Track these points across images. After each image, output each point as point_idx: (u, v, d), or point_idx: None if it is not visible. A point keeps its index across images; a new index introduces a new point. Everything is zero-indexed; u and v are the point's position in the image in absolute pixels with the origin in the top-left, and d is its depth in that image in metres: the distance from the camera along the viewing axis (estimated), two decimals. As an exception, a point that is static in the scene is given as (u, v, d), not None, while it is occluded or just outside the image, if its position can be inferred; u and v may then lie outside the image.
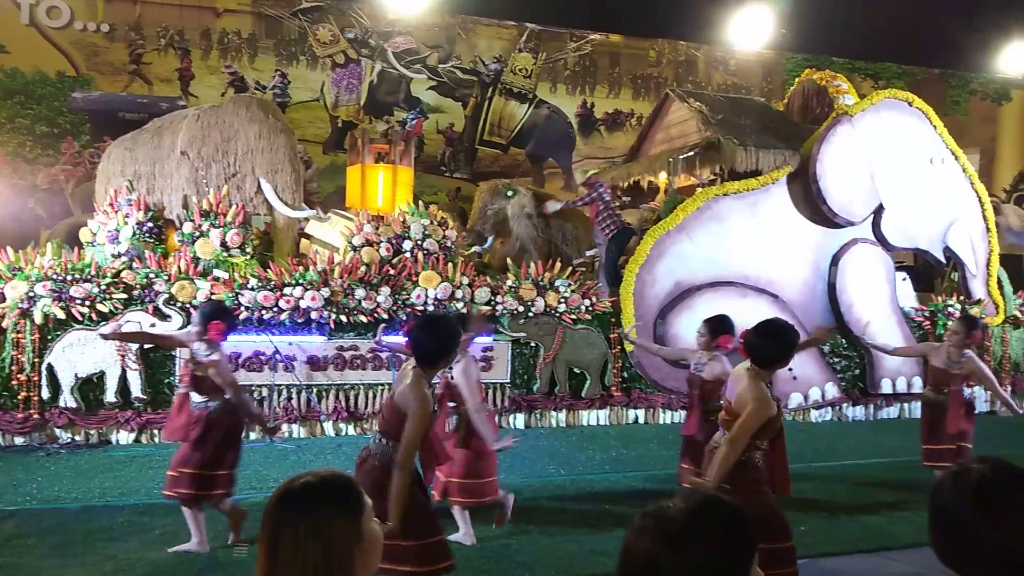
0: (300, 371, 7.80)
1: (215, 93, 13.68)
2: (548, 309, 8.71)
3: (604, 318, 8.94)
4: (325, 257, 8.34)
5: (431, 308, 8.18)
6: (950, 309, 9.99)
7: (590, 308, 8.87)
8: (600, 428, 8.69)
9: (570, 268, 9.16)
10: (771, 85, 16.03)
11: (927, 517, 1.63)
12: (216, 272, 7.78)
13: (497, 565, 4.48)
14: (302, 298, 7.72)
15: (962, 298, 10.23)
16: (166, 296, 7.52)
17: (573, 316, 8.79)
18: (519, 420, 8.50)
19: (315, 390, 7.87)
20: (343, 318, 7.87)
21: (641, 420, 8.96)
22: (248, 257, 8.14)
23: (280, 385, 7.76)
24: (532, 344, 8.64)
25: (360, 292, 7.92)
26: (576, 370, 8.81)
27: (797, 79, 11.58)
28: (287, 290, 7.74)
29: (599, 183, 9.71)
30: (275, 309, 7.72)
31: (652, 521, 1.31)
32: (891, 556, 4.71)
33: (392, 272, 8.19)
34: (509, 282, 8.67)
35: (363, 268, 8.07)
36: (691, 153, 9.80)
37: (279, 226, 8.71)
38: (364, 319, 7.95)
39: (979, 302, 10.17)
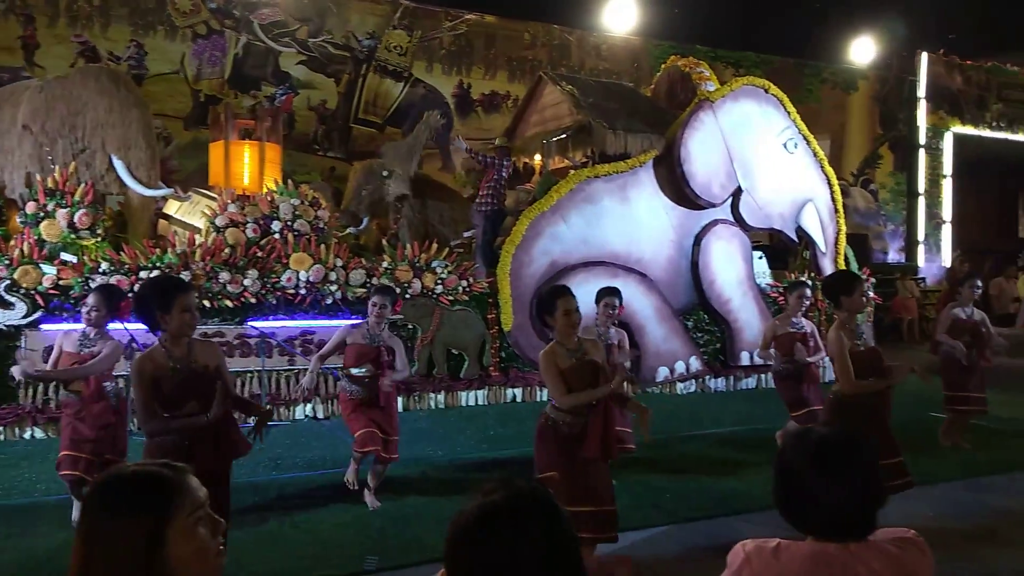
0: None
1: (63, 64, 12.61)
2: (425, 291, 8.67)
3: (482, 299, 8.99)
4: (185, 239, 7.93)
5: (303, 292, 7.95)
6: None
7: (467, 289, 8.90)
8: (479, 408, 8.75)
9: (447, 249, 9.14)
10: (640, 71, 16.49)
11: None
12: (64, 255, 7.24)
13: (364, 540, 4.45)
14: (161, 282, 7.30)
15: (813, 275, 10.95)
16: (8, 282, 6.92)
17: (450, 297, 8.79)
18: (397, 403, 8.40)
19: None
20: (206, 303, 7.51)
21: (519, 399, 9.08)
22: (99, 239, 7.62)
23: (139, 375, 7.32)
24: (409, 326, 8.57)
25: (225, 275, 7.59)
26: (454, 351, 8.82)
27: (663, 66, 11.98)
28: (143, 274, 7.30)
29: (507, 157, 9.83)
30: (130, 294, 7.25)
31: (475, 514, 1.29)
32: (748, 519, 4.99)
33: (260, 254, 7.89)
34: (385, 264, 8.55)
35: (227, 250, 7.73)
36: (564, 136, 9.98)
37: (133, 206, 8.20)
38: (230, 304, 7.62)
39: (827, 278, 10.92)
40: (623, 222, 9.68)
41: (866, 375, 4.36)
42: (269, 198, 8.27)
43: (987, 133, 18.66)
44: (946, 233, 18.24)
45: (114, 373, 4.83)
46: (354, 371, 5.01)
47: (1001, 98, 18.88)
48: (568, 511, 3.73)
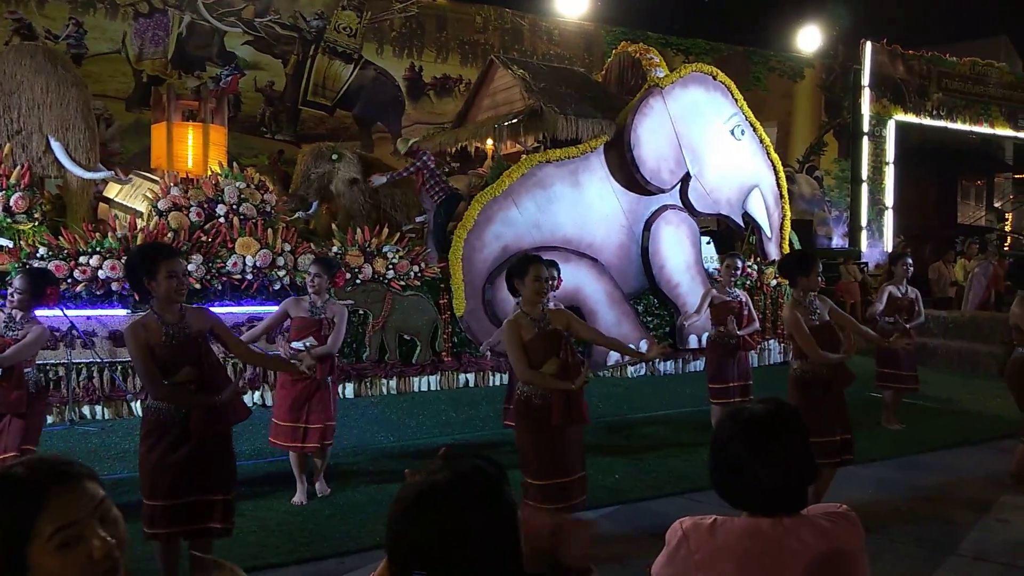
0: (101, 347, 7.20)
1: (-4, 41, 12.14)
2: (376, 276, 8.59)
3: (434, 284, 8.95)
4: (126, 223, 7.71)
5: (249, 277, 7.81)
6: (749, 269, 10.92)
7: (419, 274, 8.85)
8: (431, 393, 8.73)
9: (399, 234, 9.07)
10: (592, 57, 16.53)
11: None
12: (-1, 240, 6.99)
13: (307, 528, 4.43)
14: (100, 268, 7.10)
15: (759, 259, 11.18)
16: (-62, 268, 6.67)
17: (402, 282, 8.73)
18: (348, 390, 8.35)
19: (119, 368, 7.30)
20: (150, 288, 7.33)
21: (472, 383, 9.09)
22: (36, 223, 7.37)
23: (79, 363, 7.13)
24: (360, 312, 8.49)
25: (169, 260, 7.40)
26: (406, 337, 8.78)
27: (614, 51, 12.02)
28: (83, 259, 7.09)
29: (422, 152, 9.67)
30: (69, 280, 7.05)
31: (413, 492, 1.28)
32: (694, 497, 5.11)
33: (204, 239, 7.72)
34: (335, 248, 8.45)
35: (170, 235, 7.54)
36: (515, 120, 9.95)
37: (72, 189, 7.95)
38: (175, 289, 7.45)
39: (774, 263, 11.15)
40: (574, 207, 9.73)
41: (822, 348, 4.53)
42: (214, 181, 8.08)
43: (928, 121, 19.19)
44: (888, 219, 18.75)
45: (38, 360, 4.69)
46: (295, 344, 4.92)
47: (941, 87, 19.41)
48: (537, 484, 3.83)
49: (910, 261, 7.43)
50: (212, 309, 7.49)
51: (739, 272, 6.88)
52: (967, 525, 4.76)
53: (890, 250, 17.07)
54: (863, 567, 1.72)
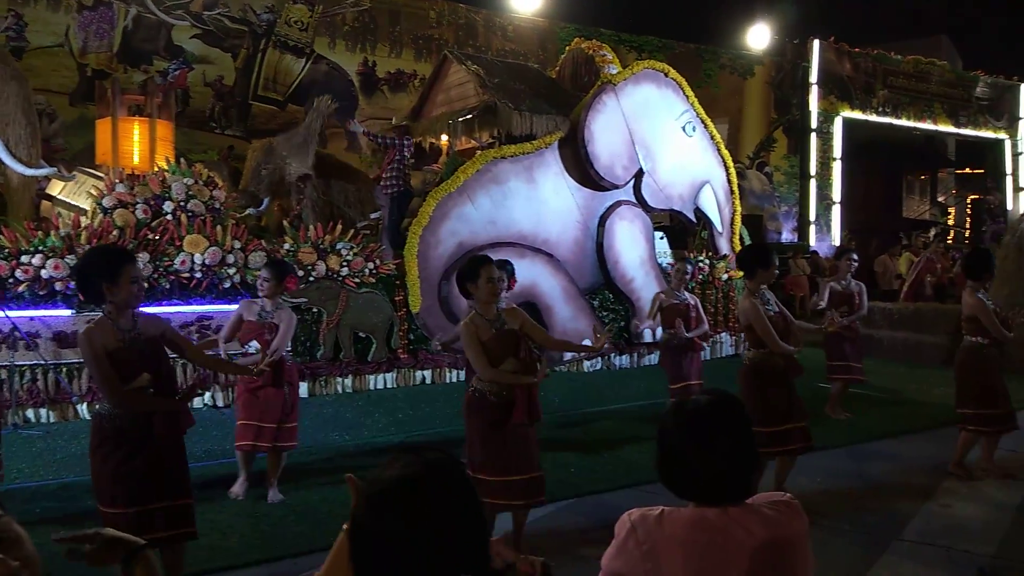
0: (46, 349, 6.99)
1: (-71, 33, 11.69)
2: (330, 273, 8.49)
3: (389, 281, 8.88)
4: (70, 221, 7.50)
5: (198, 275, 7.66)
6: (701, 264, 11.09)
7: (374, 271, 8.77)
8: (387, 391, 8.66)
9: (353, 231, 8.98)
10: (546, 53, 16.57)
11: None
12: (-65, 239, 6.74)
13: (261, 527, 4.37)
14: (43, 267, 6.88)
15: (710, 254, 11.34)
16: None
17: (357, 280, 8.65)
18: (302, 389, 8.23)
19: (64, 370, 7.09)
20: (95, 288, 7.14)
21: (428, 380, 9.05)
22: (-26, 222, 7.12)
23: (22, 366, 6.90)
24: (314, 310, 8.39)
25: (114, 259, 7.21)
26: (361, 334, 8.70)
27: (568, 48, 12.06)
28: (24, 258, 6.87)
29: (407, 137, 9.69)
30: (11, 280, 6.83)
31: (386, 485, 1.27)
32: (647, 489, 5.16)
33: (152, 237, 7.55)
34: (287, 246, 8.33)
35: (116, 232, 7.35)
36: (470, 116, 9.92)
37: (13, 186, 7.72)
38: (121, 289, 7.27)
39: (725, 257, 11.33)
40: (529, 203, 9.75)
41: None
42: (160, 177, 7.89)
43: (874, 118, 19.68)
44: (836, 214, 19.19)
45: None
46: (246, 349, 4.87)
47: (886, 85, 19.91)
48: (496, 481, 3.85)
49: (855, 257, 7.63)
50: (161, 309, 7.39)
51: (689, 276, 6.96)
52: (911, 511, 4.91)
53: (837, 244, 17.46)
54: (807, 554, 1.76)
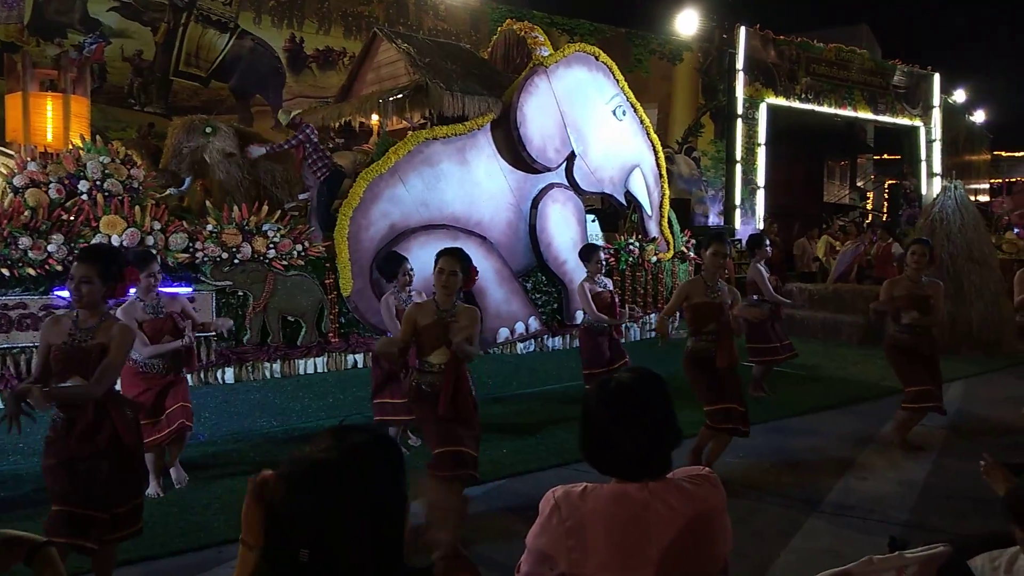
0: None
1: None
2: (256, 255, 8.28)
3: (318, 263, 8.72)
4: (-24, 201, 7.10)
5: (117, 257, 7.35)
6: (631, 247, 11.25)
7: (303, 253, 8.59)
8: (317, 376, 8.53)
9: (280, 212, 8.77)
10: (479, 34, 16.43)
11: None
12: None
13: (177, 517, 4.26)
14: (-52, 249, 6.52)
15: (640, 236, 11.52)
16: None
17: (284, 262, 8.46)
18: (228, 375, 8.05)
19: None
20: (4, 271, 6.80)
21: (361, 364, 8.94)
22: None
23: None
24: (240, 293, 8.18)
25: (25, 241, 6.87)
26: (290, 318, 8.53)
27: (500, 29, 11.99)
28: (-74, 240, 6.49)
29: (305, 124, 9.34)
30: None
31: (302, 466, 1.25)
32: (577, 468, 5.23)
33: (66, 217, 7.21)
34: (210, 227, 8.07)
35: (28, 213, 7.00)
36: (400, 95, 9.77)
37: (-89, 164, 7.23)
38: (33, 272, 6.93)
39: (654, 240, 11.53)
40: (462, 185, 9.69)
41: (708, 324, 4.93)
42: (75, 155, 7.53)
43: (797, 104, 20.23)
44: (760, 198, 19.70)
45: None
46: (160, 348, 4.70)
47: (809, 72, 20.47)
48: (435, 452, 3.90)
49: (768, 242, 7.99)
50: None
51: (601, 263, 7.00)
52: (830, 483, 5.12)
53: (761, 227, 17.93)
54: (725, 527, 1.81)
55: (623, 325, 6.98)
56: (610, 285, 7.00)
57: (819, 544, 4.13)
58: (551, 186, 10.38)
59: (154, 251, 7.47)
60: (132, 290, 4.20)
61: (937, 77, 23.28)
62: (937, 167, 23.22)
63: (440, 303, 4.09)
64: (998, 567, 2.46)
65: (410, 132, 9.80)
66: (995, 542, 2.58)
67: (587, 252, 6.94)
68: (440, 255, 4.13)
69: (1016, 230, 19.24)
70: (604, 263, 7.17)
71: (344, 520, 1.20)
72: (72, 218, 7.24)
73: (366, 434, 1.30)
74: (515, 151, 10.03)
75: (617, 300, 7.00)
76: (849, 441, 6.10)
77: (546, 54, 10.53)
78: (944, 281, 10.37)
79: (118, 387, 3.78)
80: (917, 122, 23.08)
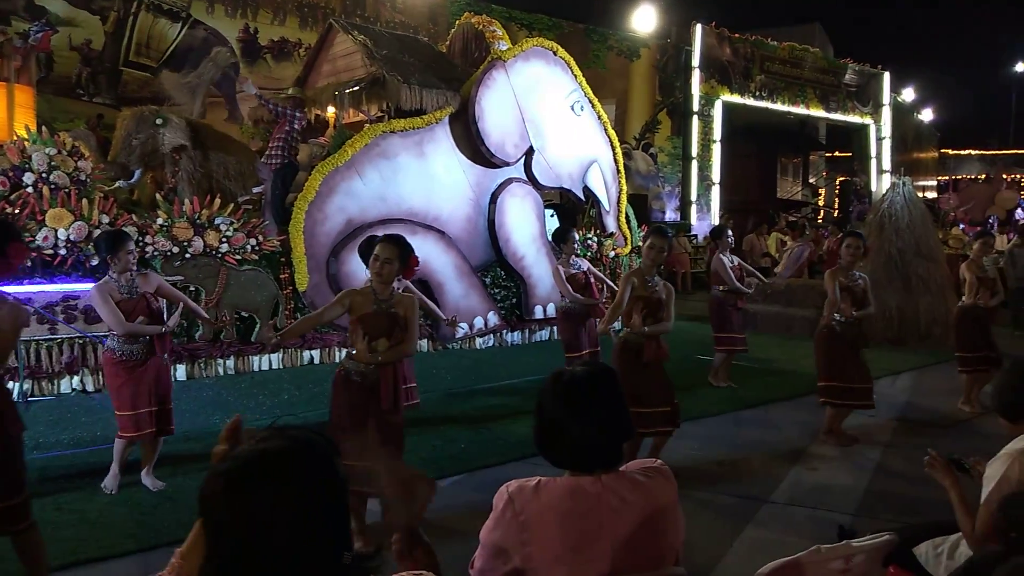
0: None
1: None
2: (208, 250, 8.12)
3: (273, 257, 8.58)
4: (-87, 193, 6.83)
5: (63, 252, 7.16)
6: (589, 241, 11.31)
7: (257, 248, 8.45)
8: (273, 372, 8.41)
9: (233, 205, 8.61)
10: (437, 27, 16.34)
11: None
12: None
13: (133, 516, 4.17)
14: None
15: (598, 231, 11.59)
16: None
17: (238, 256, 8.31)
18: (180, 371, 7.89)
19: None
20: (-57, 266, 6.56)
21: (317, 360, 8.84)
22: None
23: None
24: (191, 288, 8.02)
25: (-34, 234, 6.63)
26: (244, 314, 8.39)
27: (458, 22, 11.93)
28: None
29: (300, 109, 9.37)
30: None
31: (238, 462, 1.22)
32: (535, 462, 5.23)
33: (10, 210, 6.98)
34: (160, 221, 7.89)
35: (-32, 206, 6.77)
36: (357, 88, 9.66)
37: None
38: (-27, 266, 6.70)
39: (611, 235, 11.61)
40: (420, 179, 9.62)
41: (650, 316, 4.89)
42: (20, 147, 7.29)
43: (751, 102, 20.54)
44: (715, 194, 19.98)
45: None
46: (138, 328, 4.57)
47: (763, 70, 20.80)
48: (357, 465, 3.81)
49: (730, 232, 8.12)
50: (22, 288, 6.86)
51: (575, 243, 7.13)
52: (781, 474, 5.21)
53: (716, 223, 18.19)
54: (678, 518, 1.83)
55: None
56: (585, 266, 7.06)
57: (770, 534, 4.21)
58: (510, 181, 10.36)
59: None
60: (18, 267, 4.01)
61: (887, 76, 23.85)
62: (887, 164, 23.81)
63: (377, 292, 3.92)
64: (941, 553, 2.53)
65: (367, 125, 9.70)
66: (938, 530, 2.67)
67: (562, 234, 7.08)
68: (378, 242, 3.99)
69: (962, 226, 19.84)
70: (576, 244, 7.24)
71: (269, 518, 1.17)
72: (17, 211, 7.01)
73: (293, 438, 1.26)
74: (474, 145, 9.99)
75: (593, 280, 7.04)
76: (800, 433, 6.21)
77: (504, 48, 10.50)
78: (892, 275, 10.79)
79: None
80: (868, 120, 23.62)
